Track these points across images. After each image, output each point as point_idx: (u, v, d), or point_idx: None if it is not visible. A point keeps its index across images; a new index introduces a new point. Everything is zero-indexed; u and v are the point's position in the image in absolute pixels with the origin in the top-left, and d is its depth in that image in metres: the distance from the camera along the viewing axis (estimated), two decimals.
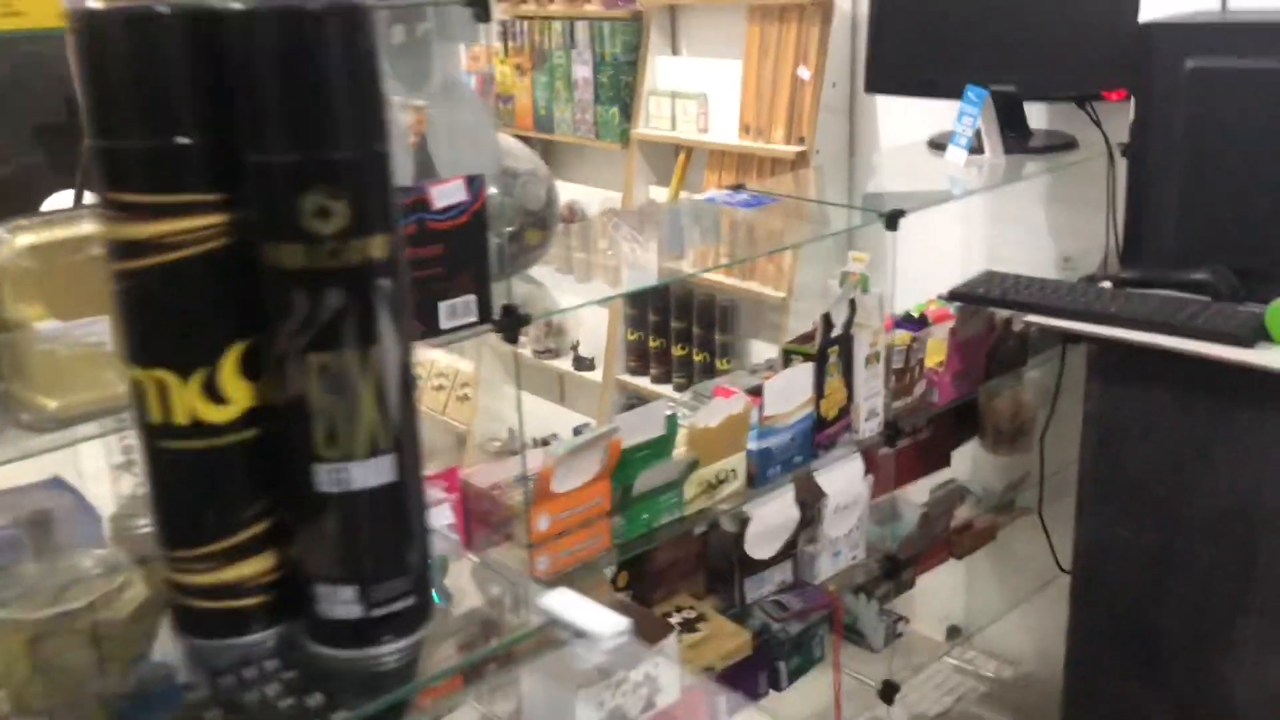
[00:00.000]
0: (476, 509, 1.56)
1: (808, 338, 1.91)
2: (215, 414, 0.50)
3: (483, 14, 1.29)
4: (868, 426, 1.97)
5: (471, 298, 1.36)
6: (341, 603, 0.51)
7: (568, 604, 0.61)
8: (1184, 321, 1.75)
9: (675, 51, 3.27)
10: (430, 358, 4.13)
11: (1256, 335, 1.70)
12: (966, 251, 2.64)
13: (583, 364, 3.56)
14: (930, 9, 2.38)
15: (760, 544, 1.86)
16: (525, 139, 3.72)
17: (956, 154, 2.27)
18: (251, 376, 0.50)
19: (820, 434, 1.89)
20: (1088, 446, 1.95)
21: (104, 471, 1.36)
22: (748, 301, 3.06)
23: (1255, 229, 1.83)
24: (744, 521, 1.83)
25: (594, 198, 3.53)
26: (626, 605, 1.77)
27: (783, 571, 1.96)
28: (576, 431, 2.20)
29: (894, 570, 2.18)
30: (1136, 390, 1.86)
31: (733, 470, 1.75)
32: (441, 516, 1.47)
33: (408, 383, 0.51)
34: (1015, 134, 2.34)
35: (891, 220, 1.88)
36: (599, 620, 0.60)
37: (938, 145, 2.41)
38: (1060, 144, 2.35)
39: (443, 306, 1.34)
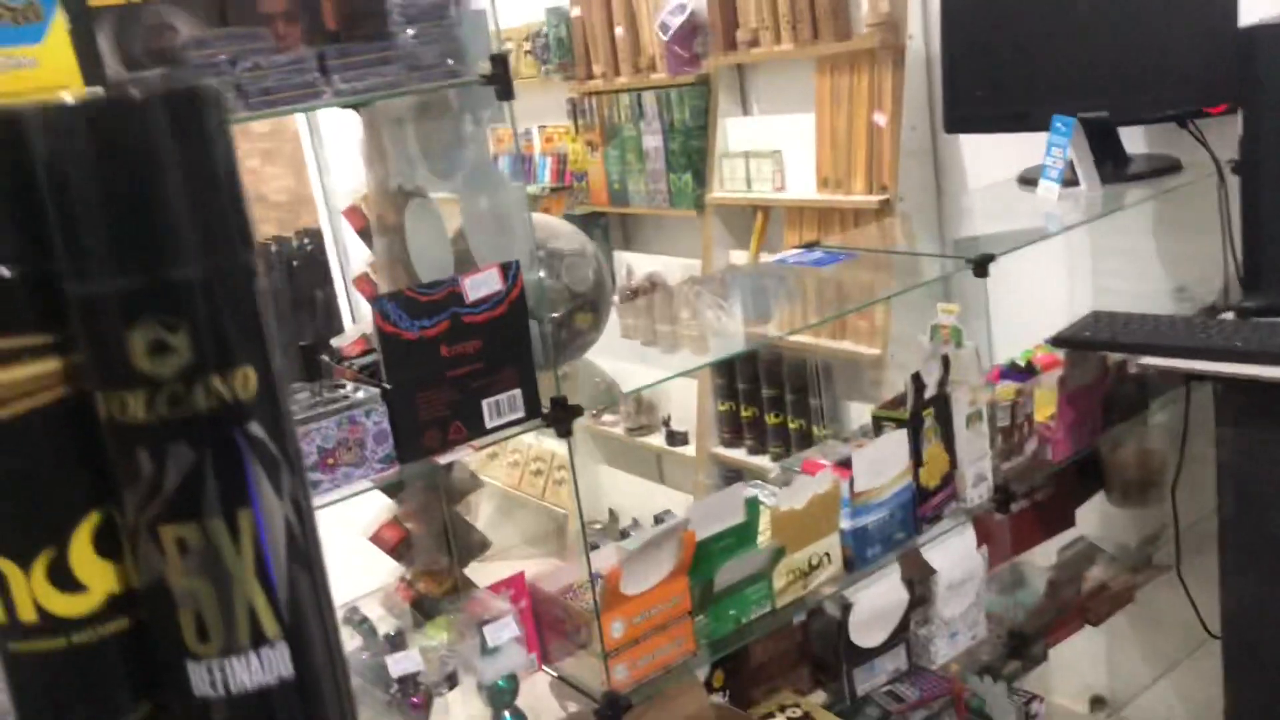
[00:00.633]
0: (547, 616, 1.45)
1: (900, 401, 1.76)
2: (68, 606, 0.40)
3: (504, 91, 1.21)
4: (975, 493, 1.81)
5: (516, 392, 1.26)
6: None
7: None
8: None
9: (746, 111, 3.18)
10: (526, 441, 4.06)
11: None
12: (1070, 291, 2.46)
13: (676, 439, 3.44)
14: (1004, 39, 2.24)
15: (866, 631, 1.70)
16: (601, 214, 3.66)
17: (1049, 189, 2.12)
18: (111, 554, 0.40)
19: (923, 506, 1.73)
20: (1226, 499, 1.75)
21: None
22: (841, 361, 2.91)
23: None
24: (846, 607, 1.68)
25: (673, 267, 3.43)
26: (723, 709, 1.63)
27: (895, 658, 1.80)
28: (658, 520, 2.08)
29: (1021, 645, 1.99)
30: (1273, 432, 1.66)
31: (826, 554, 1.60)
32: (507, 629, 1.36)
33: (306, 547, 0.40)
34: (1112, 161, 2.17)
35: (980, 266, 1.73)
36: None
37: (1028, 181, 2.25)
38: (1163, 168, 2.17)
39: (486, 405, 1.24)
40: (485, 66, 1.22)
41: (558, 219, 1.46)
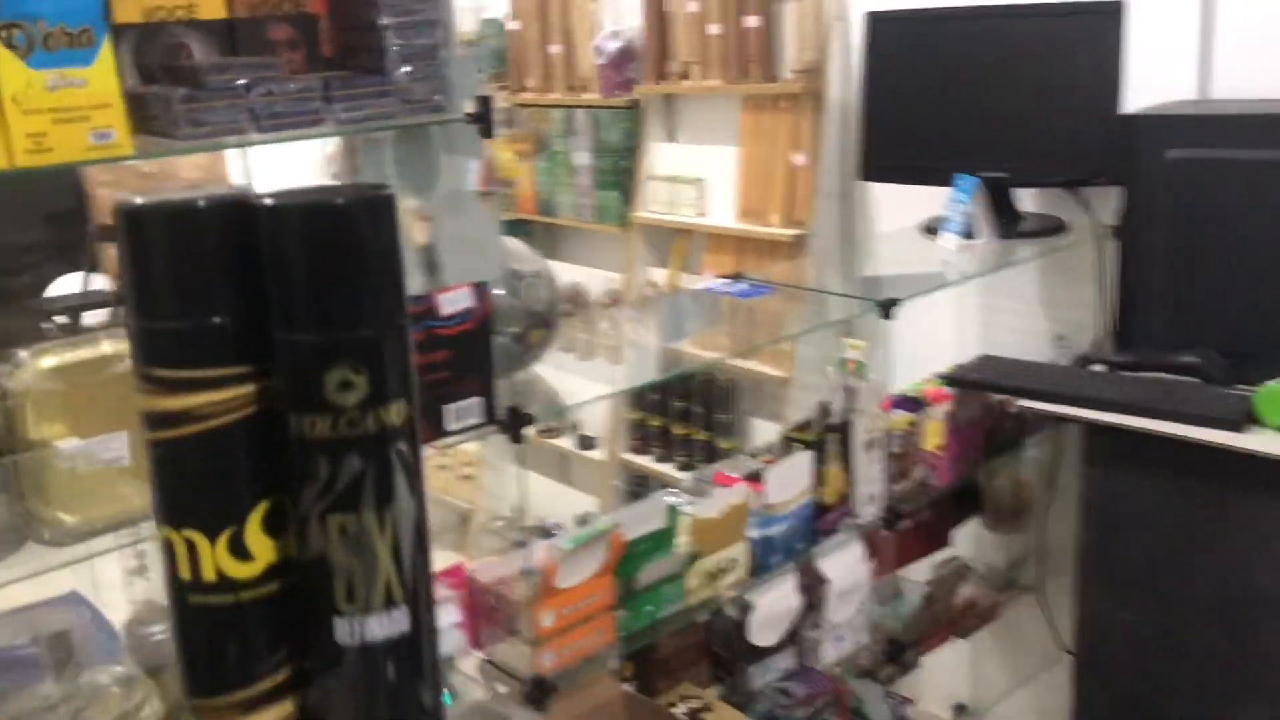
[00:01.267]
0: (482, 605, 1.59)
1: (807, 425, 1.94)
2: (240, 570, 0.53)
3: (486, 130, 1.35)
4: (867, 511, 2.00)
5: (477, 400, 1.40)
6: None
7: None
8: (1174, 406, 1.79)
9: (672, 138, 3.34)
10: None
11: (1245, 418, 1.73)
12: (961, 332, 2.68)
13: (586, 443, 3.59)
14: (920, 100, 2.45)
15: (764, 631, 1.88)
16: (527, 222, 3.79)
17: (949, 239, 2.33)
18: (273, 534, 0.54)
19: (821, 520, 1.92)
20: (1086, 530, 1.98)
21: (118, 580, 1.38)
22: (749, 381, 3.10)
23: (1242, 313, 1.88)
24: (746, 609, 1.85)
25: (595, 278, 3.58)
26: (631, 698, 1.79)
27: (787, 658, 1.97)
28: (580, 521, 2.22)
29: (897, 652, 2.19)
30: (1131, 474, 1.89)
31: (734, 559, 1.77)
32: (447, 614, 1.49)
33: (422, 538, 0.54)
34: (1006, 218, 2.40)
35: (886, 309, 1.92)
36: None
37: (931, 230, 2.46)
38: (1051, 228, 2.41)
39: (448, 409, 1.38)
40: (470, 105, 1.35)
41: (517, 241, 1.60)
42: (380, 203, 0.51)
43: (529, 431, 1.45)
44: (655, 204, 3.28)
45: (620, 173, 3.39)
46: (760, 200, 2.99)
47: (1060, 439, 2.36)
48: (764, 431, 3.11)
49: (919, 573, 2.42)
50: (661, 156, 3.31)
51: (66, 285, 2.79)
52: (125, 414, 1.14)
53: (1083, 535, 1.98)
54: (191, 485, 0.53)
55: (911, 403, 2.17)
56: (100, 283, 2.72)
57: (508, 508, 3.99)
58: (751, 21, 2.92)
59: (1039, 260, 2.51)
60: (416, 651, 0.55)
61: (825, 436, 1.90)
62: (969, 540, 2.54)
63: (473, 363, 1.38)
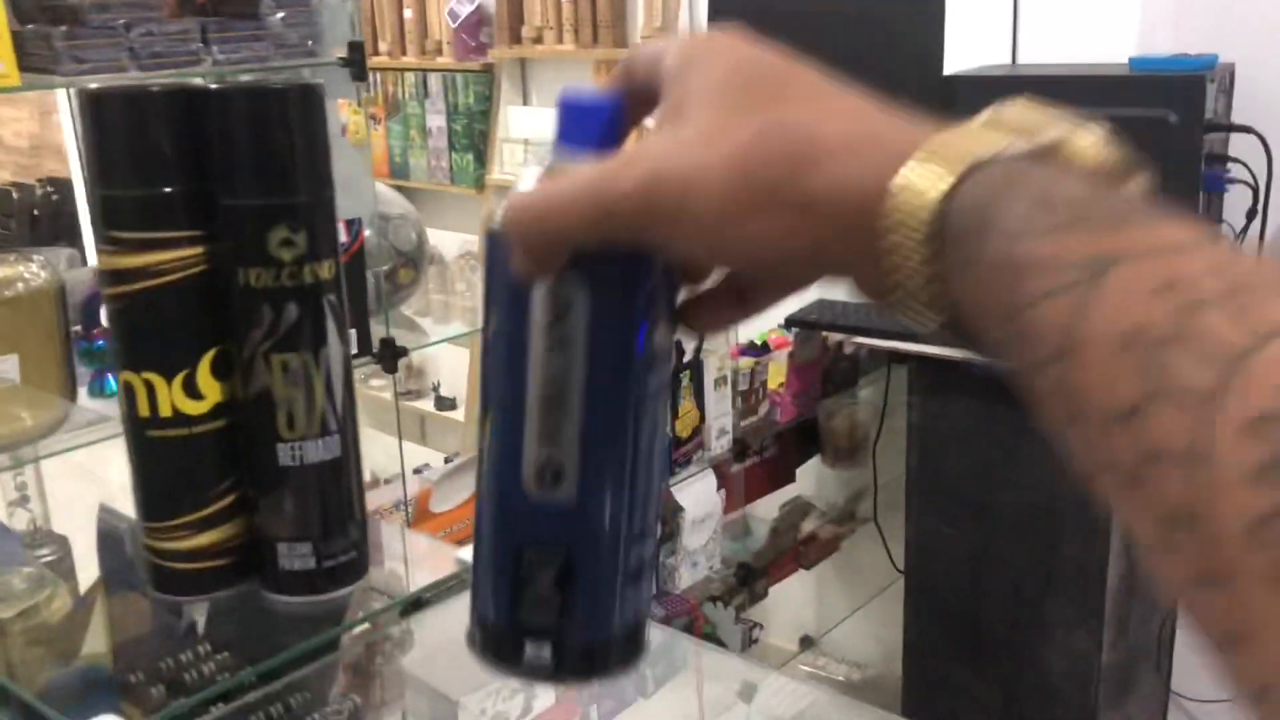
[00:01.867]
0: None
1: None
2: (193, 408, 0.62)
3: (359, 73, 1.43)
4: (719, 444, 2.15)
5: (351, 332, 1.48)
6: (298, 557, 0.64)
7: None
8: None
9: (526, 101, 3.43)
10: None
11: None
12: None
13: (444, 404, 3.66)
14: None
15: None
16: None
17: None
18: (220, 377, 0.63)
19: (676, 452, 2.06)
20: (912, 456, 2.18)
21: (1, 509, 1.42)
22: None
23: None
24: None
25: (452, 242, 3.65)
26: None
27: None
28: (448, 460, 2.32)
29: (748, 579, 2.36)
30: (951, 402, 2.09)
31: None
32: None
33: (348, 377, 0.64)
34: None
35: None
36: None
37: None
38: None
39: None
40: (342, 50, 1.43)
41: (384, 185, 1.68)
42: (311, 89, 0.61)
43: (386, 395, 1.54)
44: (511, 165, 3.36)
45: (474, 135, 3.46)
46: None
47: (890, 379, 2.56)
48: None
49: (765, 511, 2.59)
50: (517, 119, 3.39)
51: None
52: (15, 337, 1.19)
53: (909, 460, 2.18)
54: (151, 333, 0.62)
55: (756, 349, 2.34)
56: None
57: (367, 467, 4.04)
58: None
59: None
60: (346, 472, 0.65)
61: (678, 374, 2.04)
62: (810, 479, 2.73)
63: (348, 297, 1.46)
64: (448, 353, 3.52)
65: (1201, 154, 1.91)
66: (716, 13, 2.65)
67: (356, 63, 1.42)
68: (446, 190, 3.59)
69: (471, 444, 3.47)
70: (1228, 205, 2.08)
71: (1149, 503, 0.26)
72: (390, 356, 1.51)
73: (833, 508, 2.80)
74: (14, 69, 1.13)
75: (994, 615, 2.14)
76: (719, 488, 2.16)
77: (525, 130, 3.37)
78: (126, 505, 1.14)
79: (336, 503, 0.65)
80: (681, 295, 0.41)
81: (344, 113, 3.92)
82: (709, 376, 2.10)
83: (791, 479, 2.58)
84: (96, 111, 0.60)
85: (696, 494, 2.11)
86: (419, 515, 1.57)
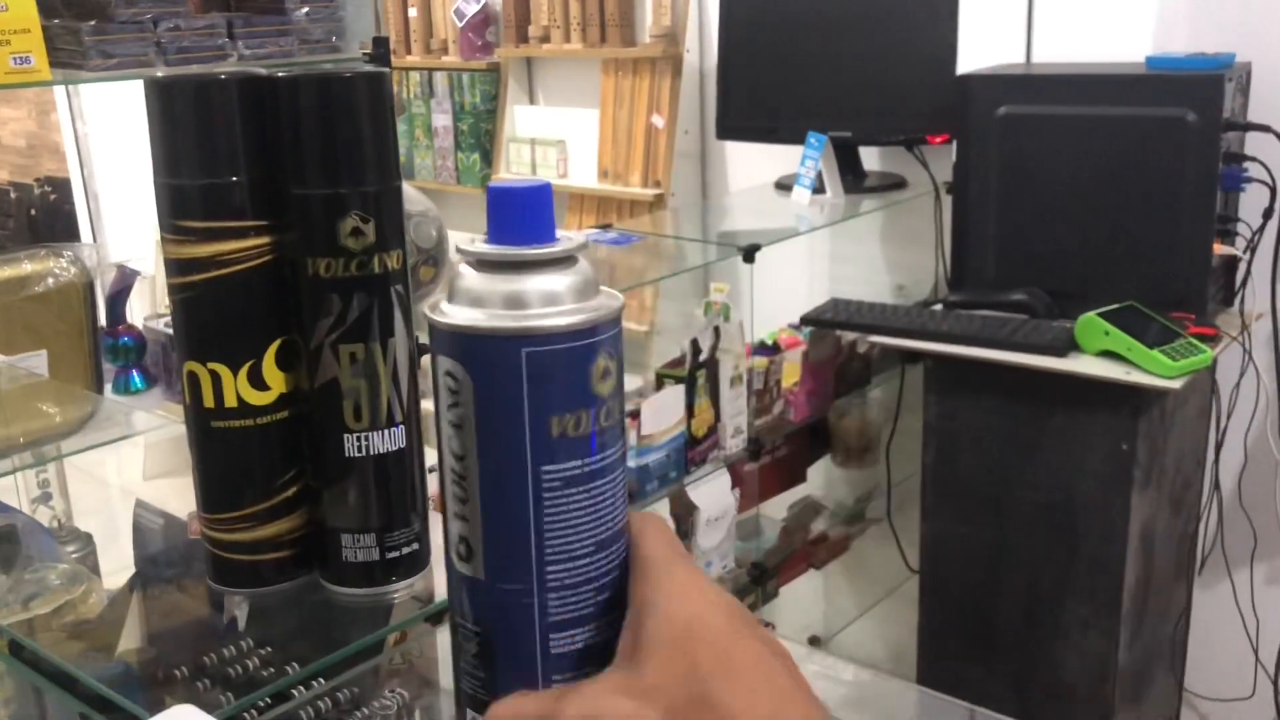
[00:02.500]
0: None
1: (677, 363, 2.07)
2: (258, 398, 0.62)
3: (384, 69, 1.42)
4: (733, 443, 2.15)
5: None
6: (362, 548, 0.63)
7: None
8: (1006, 336, 1.99)
9: (533, 100, 3.43)
10: None
11: (1068, 346, 1.94)
12: (811, 284, 2.86)
13: None
14: (772, 64, 2.60)
15: None
16: None
17: (801, 194, 2.49)
18: (285, 368, 0.62)
19: (692, 451, 2.05)
20: (928, 454, 2.17)
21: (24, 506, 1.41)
22: None
23: (1062, 254, 2.09)
24: None
25: (457, 241, 3.63)
26: None
27: None
28: None
29: (760, 578, 2.35)
30: (968, 400, 2.09)
31: None
32: None
33: (412, 368, 0.64)
34: (852, 175, 2.58)
35: (749, 254, 2.06)
36: None
37: (784, 186, 2.62)
38: (892, 184, 2.60)
39: None
40: (367, 45, 1.42)
41: (404, 183, 1.67)
42: (380, 78, 0.61)
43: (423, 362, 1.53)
44: (517, 165, 3.36)
45: (480, 135, 3.46)
46: (621, 161, 3.11)
47: (904, 378, 2.56)
48: (628, 382, 3.23)
49: (776, 511, 2.59)
50: (523, 119, 3.39)
51: None
52: (45, 332, 1.18)
53: (925, 459, 2.18)
54: (217, 324, 0.61)
55: (767, 349, 2.33)
56: None
57: None
58: None
59: (882, 214, 2.71)
60: (410, 463, 0.64)
61: (695, 373, 2.03)
62: (820, 480, 2.73)
63: None
64: None
65: (1220, 153, 1.91)
66: (729, 11, 2.65)
67: (381, 58, 1.41)
68: (452, 190, 3.58)
69: None
70: (1244, 204, 2.08)
71: None
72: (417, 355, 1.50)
73: (841, 508, 2.80)
74: (45, 63, 1.13)
75: (1009, 614, 2.13)
76: (733, 486, 2.16)
77: (531, 130, 3.37)
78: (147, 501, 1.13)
79: (400, 494, 0.65)
80: None
81: None
82: (725, 375, 2.09)
83: (803, 479, 2.58)
84: (164, 101, 0.60)
85: (711, 493, 2.10)
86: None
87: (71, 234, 5.76)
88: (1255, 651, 2.32)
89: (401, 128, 3.67)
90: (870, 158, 2.67)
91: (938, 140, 2.44)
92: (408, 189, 1.71)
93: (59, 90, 5.33)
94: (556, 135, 3.29)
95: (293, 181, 0.60)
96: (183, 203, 0.60)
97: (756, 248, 2.08)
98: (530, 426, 0.41)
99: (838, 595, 2.99)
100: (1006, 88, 2.14)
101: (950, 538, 2.17)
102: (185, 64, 1.30)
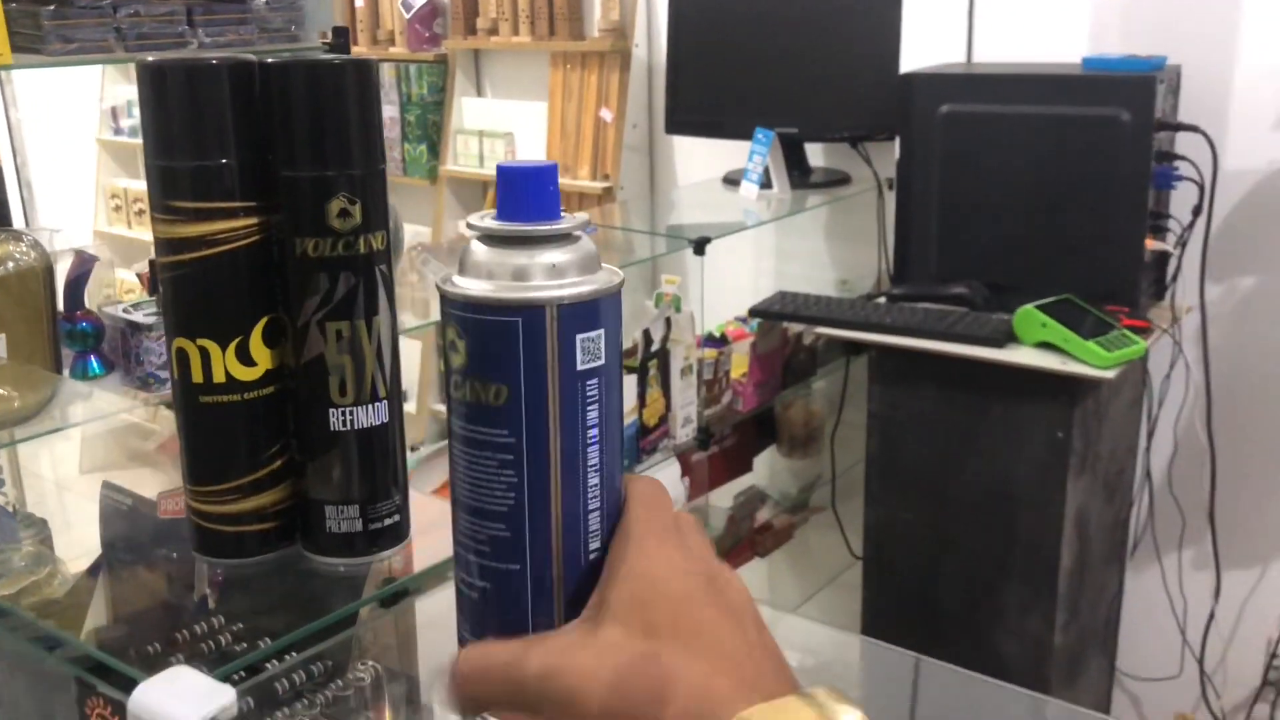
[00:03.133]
0: None
1: (630, 353, 2.10)
2: (245, 374, 0.63)
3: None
4: (683, 432, 2.18)
5: None
6: (345, 519, 0.66)
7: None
8: (947, 328, 2.05)
9: (480, 93, 3.44)
10: None
11: (1007, 337, 2.01)
12: (756, 278, 2.90)
13: None
14: (720, 60, 2.64)
15: None
16: None
17: (749, 189, 2.53)
18: (271, 345, 0.64)
19: (644, 440, 2.09)
20: (872, 442, 2.23)
21: None
22: None
23: (1001, 249, 2.16)
24: None
25: (404, 234, 3.63)
26: None
27: None
28: (413, 449, 2.32)
29: None
30: (910, 390, 2.14)
31: None
32: None
33: (394, 346, 0.66)
34: (798, 171, 2.63)
35: (700, 246, 2.10)
36: None
37: (732, 181, 2.67)
38: (836, 180, 2.65)
39: None
40: (326, 34, 1.44)
41: None
42: (367, 65, 0.63)
43: None
44: (465, 157, 3.37)
45: (428, 126, 3.46)
46: (570, 154, 3.13)
47: (849, 371, 2.62)
48: None
49: (723, 500, 2.63)
50: (471, 111, 3.40)
51: None
52: (5, 317, 1.18)
53: (869, 448, 2.23)
54: (206, 301, 0.63)
55: (715, 341, 2.37)
56: None
57: None
58: None
59: (826, 212, 2.76)
60: (392, 438, 0.67)
61: (647, 363, 2.07)
62: (765, 470, 2.78)
63: None
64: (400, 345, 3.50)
65: (1152, 152, 1.99)
66: (677, 6, 2.68)
67: (341, 47, 1.42)
68: (400, 181, 3.58)
69: (428, 435, 3.47)
70: (1175, 201, 2.16)
71: None
72: None
73: (786, 497, 2.85)
74: (5, 46, 1.13)
75: (950, 598, 2.20)
76: (683, 475, 2.19)
77: (479, 122, 3.38)
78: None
79: (383, 467, 0.67)
80: None
81: None
82: (675, 366, 2.13)
83: (749, 468, 2.63)
84: (156, 83, 0.61)
85: (662, 481, 2.14)
86: None
87: (4, 221, 5.64)
88: (1182, 633, 2.41)
89: None
90: (815, 154, 2.72)
91: (881, 137, 2.49)
92: None
93: None
94: (504, 128, 3.30)
95: (282, 164, 0.62)
96: (174, 183, 0.62)
97: (707, 240, 2.12)
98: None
99: (783, 582, 3.04)
100: (948, 86, 2.20)
101: (893, 524, 2.23)
102: (144, 50, 1.30)
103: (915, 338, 2.07)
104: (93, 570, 1.04)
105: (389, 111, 3.54)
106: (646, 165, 3.08)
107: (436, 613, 0.74)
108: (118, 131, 4.67)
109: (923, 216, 2.23)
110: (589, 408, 0.45)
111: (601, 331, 0.45)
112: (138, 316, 1.34)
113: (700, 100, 2.69)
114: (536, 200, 0.45)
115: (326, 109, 0.62)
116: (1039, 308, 1.99)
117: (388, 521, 0.68)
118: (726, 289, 2.52)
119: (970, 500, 2.11)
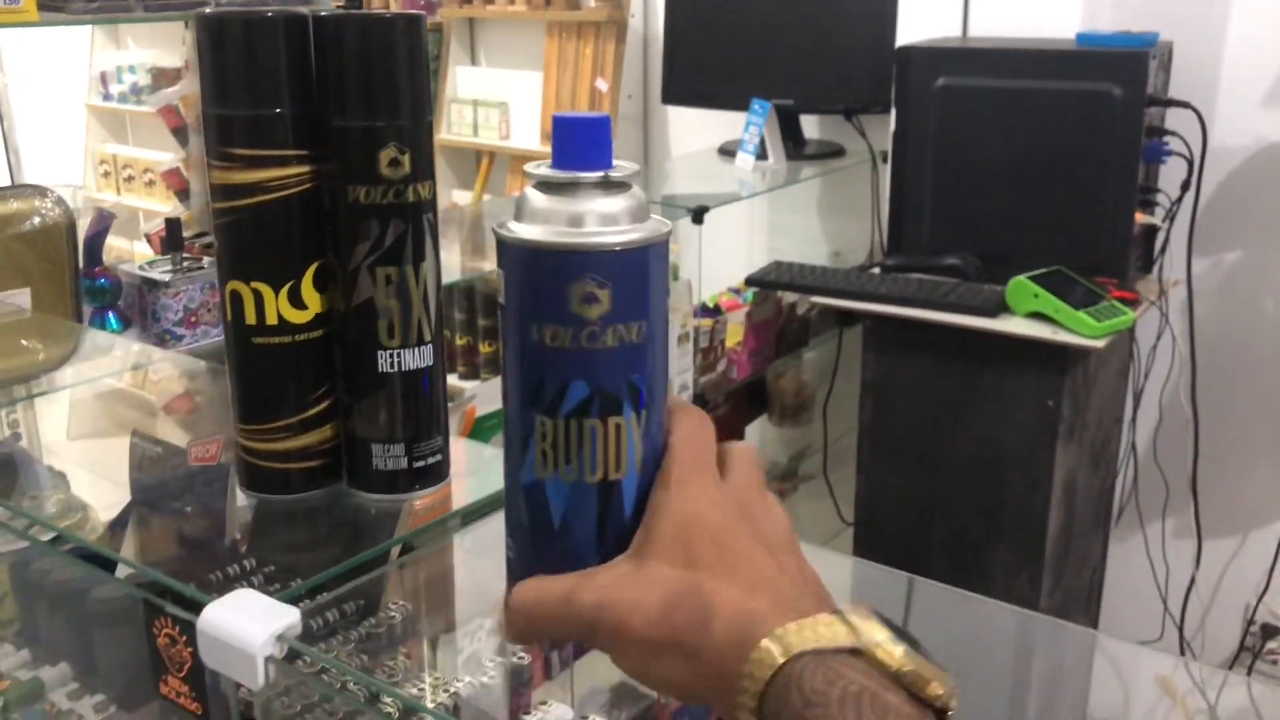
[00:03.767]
0: None
1: None
2: (297, 317, 0.66)
3: None
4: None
5: None
6: (391, 458, 0.69)
7: None
8: (941, 298, 2.08)
9: (474, 62, 3.44)
10: None
11: (999, 307, 2.05)
12: (750, 249, 2.94)
13: None
14: (718, 31, 2.66)
15: None
16: None
17: (745, 160, 2.56)
18: (320, 289, 0.67)
19: None
20: (865, 410, 2.27)
21: None
22: None
23: (994, 221, 2.19)
24: None
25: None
26: None
27: None
28: None
29: None
30: (903, 359, 2.18)
31: None
32: None
33: (439, 292, 0.69)
34: (793, 142, 2.65)
35: (698, 215, 2.13)
36: None
37: (727, 152, 2.69)
38: (831, 151, 2.68)
39: None
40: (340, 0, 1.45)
41: None
42: (417, 19, 0.66)
43: None
44: (459, 126, 3.38)
45: None
46: None
47: (841, 340, 2.66)
48: None
49: None
50: (465, 80, 3.40)
51: None
52: (30, 271, 1.20)
53: (862, 416, 2.27)
54: (260, 246, 0.66)
55: (710, 311, 2.41)
56: None
57: None
58: None
59: (820, 184, 2.79)
60: (435, 379, 0.70)
61: None
62: (755, 438, 2.82)
63: None
64: None
65: (1143, 127, 2.02)
66: None
67: (356, 5, 1.44)
68: None
69: None
70: (1164, 176, 2.20)
71: None
72: None
73: (776, 465, 2.89)
74: (33, 5, 1.14)
75: (939, 563, 2.24)
76: None
77: (474, 91, 3.38)
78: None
79: (428, 408, 0.70)
80: None
81: None
82: (673, 333, 2.16)
83: (741, 437, 2.66)
84: (214, 35, 0.64)
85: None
86: None
87: None
88: (1164, 599, 2.47)
89: None
90: (810, 126, 2.75)
91: (877, 110, 2.52)
92: None
93: None
94: (499, 97, 3.31)
95: (334, 114, 0.65)
96: (229, 131, 0.65)
97: (705, 209, 2.15)
98: None
99: None
100: (944, 60, 2.22)
101: (884, 490, 2.27)
102: (164, 8, 1.32)
103: (910, 307, 2.11)
104: (121, 517, 1.07)
105: None
106: (641, 136, 3.10)
107: (476, 548, 0.77)
108: (107, 97, 4.65)
109: (917, 188, 2.26)
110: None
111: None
112: (154, 274, 1.36)
113: (696, 71, 2.71)
114: (591, 150, 0.47)
115: (377, 62, 0.64)
116: (1031, 279, 2.02)
117: (430, 460, 0.71)
118: (720, 260, 2.55)
119: (960, 467, 2.16)
